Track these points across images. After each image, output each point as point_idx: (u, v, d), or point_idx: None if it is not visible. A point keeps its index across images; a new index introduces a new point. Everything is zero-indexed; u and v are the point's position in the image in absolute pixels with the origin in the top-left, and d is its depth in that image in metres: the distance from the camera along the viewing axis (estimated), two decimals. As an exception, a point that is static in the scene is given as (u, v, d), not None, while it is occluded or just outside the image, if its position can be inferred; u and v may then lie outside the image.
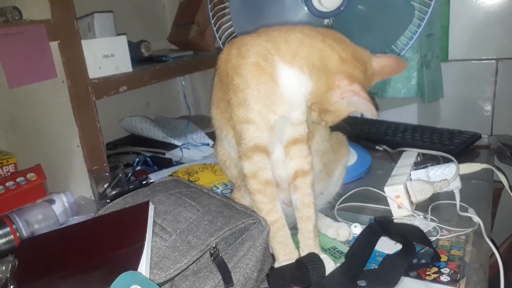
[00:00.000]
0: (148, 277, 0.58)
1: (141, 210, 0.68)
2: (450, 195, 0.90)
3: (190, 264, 0.61)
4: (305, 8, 0.91)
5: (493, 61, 1.36)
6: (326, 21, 0.95)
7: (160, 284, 0.58)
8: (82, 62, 0.99)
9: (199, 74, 1.66)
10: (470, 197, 0.90)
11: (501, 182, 0.96)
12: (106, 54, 1.06)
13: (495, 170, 0.92)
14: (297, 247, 0.73)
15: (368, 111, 0.67)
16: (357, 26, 0.92)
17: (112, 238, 0.66)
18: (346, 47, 0.69)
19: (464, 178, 0.91)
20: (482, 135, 1.24)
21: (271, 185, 0.72)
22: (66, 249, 0.68)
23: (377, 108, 0.66)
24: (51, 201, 0.97)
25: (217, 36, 1.02)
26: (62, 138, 1.03)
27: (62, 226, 0.92)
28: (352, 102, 0.67)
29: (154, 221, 0.67)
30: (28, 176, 1.01)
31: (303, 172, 0.73)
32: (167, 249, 0.62)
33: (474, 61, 1.39)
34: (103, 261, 0.62)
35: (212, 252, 0.63)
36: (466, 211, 0.86)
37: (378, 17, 0.93)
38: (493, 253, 0.75)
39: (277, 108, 0.69)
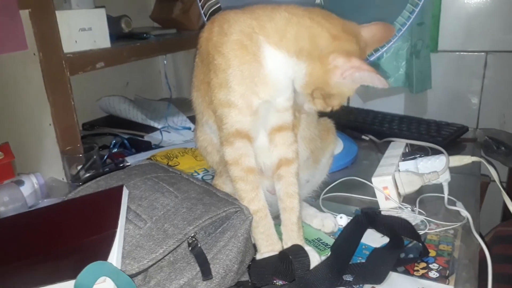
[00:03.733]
0: (119, 267, 0.54)
1: (114, 195, 0.65)
2: (437, 187, 0.88)
3: (166, 255, 0.57)
4: (297, -14, 0.86)
5: (483, 53, 1.36)
6: (317, 0, 0.90)
7: (132, 276, 0.54)
8: (56, 34, 0.93)
9: (182, 54, 1.60)
10: (457, 191, 0.88)
11: (487, 175, 0.94)
12: (82, 28, 1.01)
13: (486, 164, 0.90)
14: (280, 238, 0.70)
15: (376, 82, 0.62)
16: (349, 8, 0.88)
17: (82, 224, 0.62)
18: (335, 22, 0.65)
19: (451, 171, 0.89)
20: (469, 128, 1.23)
21: (254, 172, 0.69)
22: (33, 234, 0.64)
23: (386, 77, 0.61)
24: (20, 182, 0.92)
25: (202, 12, 0.97)
26: (33, 116, 0.97)
27: (30, 209, 0.87)
28: (356, 78, 0.62)
29: (128, 207, 0.64)
30: (-6, 155, 0.95)
31: (287, 161, 0.70)
32: (141, 238, 0.58)
33: (464, 53, 1.38)
34: (71, 249, 0.58)
35: (190, 242, 0.59)
36: (454, 204, 0.84)
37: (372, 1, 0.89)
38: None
39: (261, 91, 0.65)
